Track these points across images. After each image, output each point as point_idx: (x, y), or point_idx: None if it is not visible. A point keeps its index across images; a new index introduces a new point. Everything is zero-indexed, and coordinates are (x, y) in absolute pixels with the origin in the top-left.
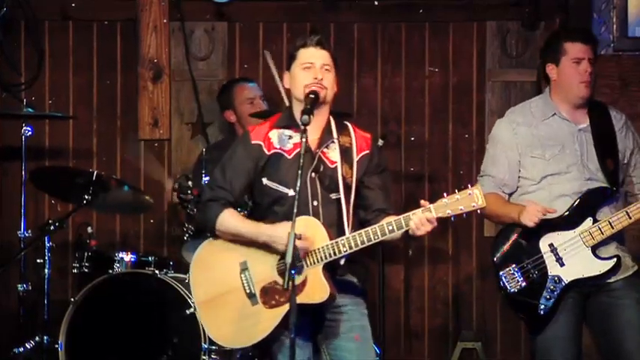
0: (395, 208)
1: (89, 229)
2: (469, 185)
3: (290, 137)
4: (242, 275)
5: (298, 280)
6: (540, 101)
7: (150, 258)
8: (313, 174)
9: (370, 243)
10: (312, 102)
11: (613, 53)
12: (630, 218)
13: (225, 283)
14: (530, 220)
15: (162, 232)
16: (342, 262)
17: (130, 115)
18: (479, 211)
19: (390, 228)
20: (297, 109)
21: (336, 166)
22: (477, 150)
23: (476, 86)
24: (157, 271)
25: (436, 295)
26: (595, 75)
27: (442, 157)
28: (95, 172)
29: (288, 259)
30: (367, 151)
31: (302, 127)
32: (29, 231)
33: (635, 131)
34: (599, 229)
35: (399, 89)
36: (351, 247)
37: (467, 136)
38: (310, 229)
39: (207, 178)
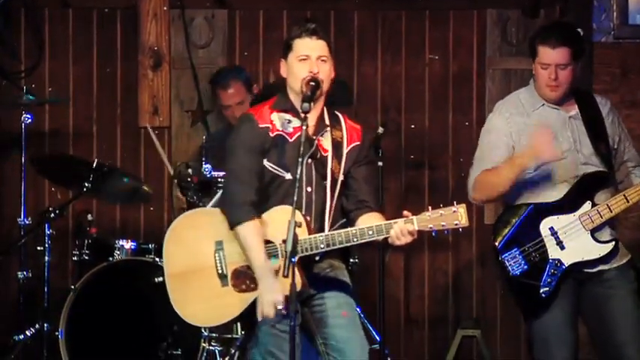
0: (376, 203)
1: (89, 217)
2: (454, 202)
3: (289, 121)
4: (216, 254)
5: (278, 265)
6: (527, 93)
7: (150, 245)
8: (310, 160)
9: (348, 244)
10: (313, 90)
11: (613, 41)
12: (628, 202)
13: (199, 259)
14: (543, 152)
15: (162, 219)
16: (318, 257)
17: (130, 103)
18: (461, 230)
19: (370, 233)
20: (294, 97)
21: (327, 155)
22: (477, 138)
23: (476, 74)
24: (157, 259)
25: (436, 283)
26: (573, 76)
27: (442, 145)
28: (95, 161)
29: (288, 247)
30: (358, 143)
31: (303, 115)
32: (29, 218)
33: (619, 116)
34: (599, 212)
35: (399, 77)
36: (328, 245)
37: (467, 124)
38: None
39: (208, 165)
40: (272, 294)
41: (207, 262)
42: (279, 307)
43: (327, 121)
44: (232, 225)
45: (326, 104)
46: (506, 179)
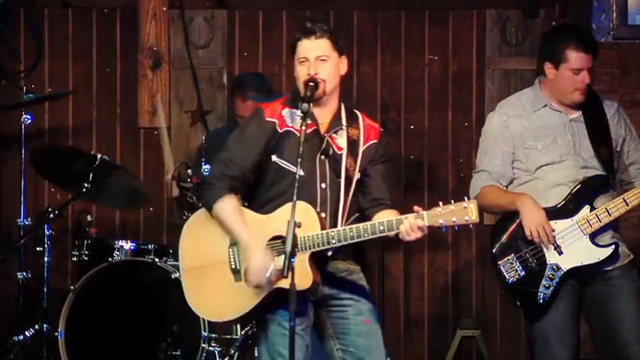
0: (393, 201)
1: (89, 217)
2: (465, 198)
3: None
4: (230, 249)
5: (282, 264)
6: (531, 93)
7: (149, 246)
8: (322, 157)
9: (360, 239)
10: (312, 90)
11: (613, 41)
12: (627, 205)
13: (213, 254)
14: (532, 229)
15: (161, 220)
16: (330, 253)
17: (129, 103)
18: (471, 226)
19: (382, 228)
20: None
21: (342, 153)
22: (477, 138)
23: (475, 74)
24: (156, 259)
25: (436, 283)
26: (592, 77)
27: (442, 144)
28: (99, 157)
29: (288, 247)
30: (374, 141)
31: (300, 114)
32: (29, 219)
33: (627, 118)
34: (597, 216)
35: (398, 77)
36: (340, 241)
37: (466, 124)
38: (304, 216)
39: (207, 166)
40: (262, 263)
41: (221, 258)
42: (267, 274)
43: (344, 120)
44: (208, 207)
45: (342, 101)
46: (504, 209)
